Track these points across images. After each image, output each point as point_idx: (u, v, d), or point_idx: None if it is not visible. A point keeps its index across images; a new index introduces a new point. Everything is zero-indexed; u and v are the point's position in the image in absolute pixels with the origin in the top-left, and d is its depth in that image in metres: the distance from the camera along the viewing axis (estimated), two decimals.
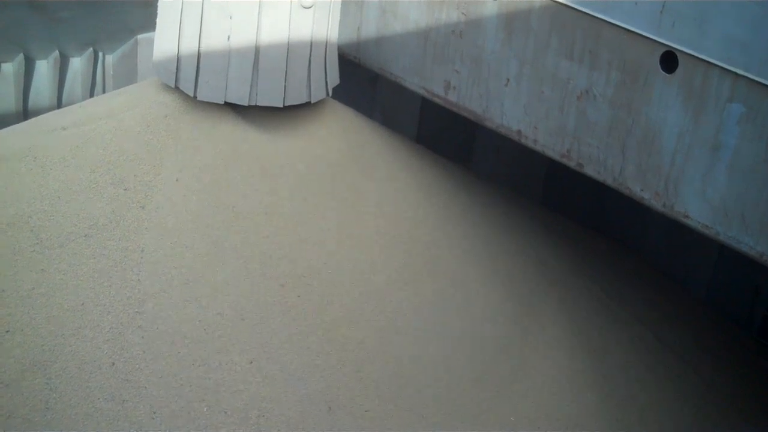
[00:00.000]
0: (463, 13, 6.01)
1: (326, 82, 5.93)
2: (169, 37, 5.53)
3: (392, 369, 4.93)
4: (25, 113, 7.91)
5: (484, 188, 6.93)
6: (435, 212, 6.06)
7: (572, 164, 5.55)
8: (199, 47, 5.44)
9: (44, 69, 8.05)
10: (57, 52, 8.03)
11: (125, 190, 5.02)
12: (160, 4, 5.63)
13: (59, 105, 8.11)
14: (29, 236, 4.67)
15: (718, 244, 5.05)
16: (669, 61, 4.94)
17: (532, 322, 5.69)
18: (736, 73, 4.64)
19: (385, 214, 5.74)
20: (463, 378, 5.09)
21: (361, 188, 5.80)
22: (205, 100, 5.53)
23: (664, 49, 4.94)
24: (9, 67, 7.86)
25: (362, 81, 8.42)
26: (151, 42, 6.07)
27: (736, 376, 6.28)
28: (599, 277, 6.60)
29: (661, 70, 4.98)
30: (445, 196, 6.30)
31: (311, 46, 5.68)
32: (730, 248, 4.90)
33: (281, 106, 5.65)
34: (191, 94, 5.52)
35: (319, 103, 5.96)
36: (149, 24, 5.97)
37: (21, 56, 7.86)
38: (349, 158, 5.92)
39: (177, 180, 5.14)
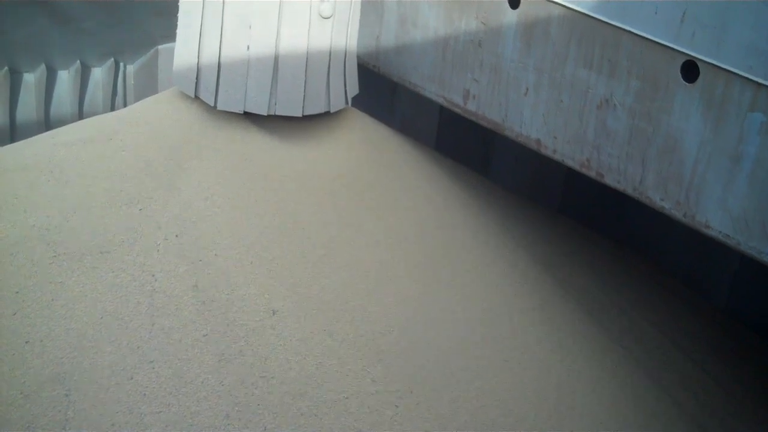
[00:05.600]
0: (482, 22, 6.00)
1: (345, 92, 5.94)
2: (189, 47, 5.56)
3: (408, 363, 4.91)
4: (47, 123, 7.99)
5: (503, 196, 6.92)
6: (453, 218, 6.05)
7: (592, 174, 5.52)
8: (219, 57, 5.47)
9: (66, 79, 8.12)
10: (78, 62, 8.10)
11: (144, 202, 5.04)
12: (180, 14, 5.66)
13: (80, 115, 8.18)
14: (47, 248, 4.69)
15: (738, 253, 5.01)
16: (690, 70, 4.90)
17: (545, 328, 5.67)
18: (758, 83, 4.60)
19: (404, 219, 5.75)
20: (481, 387, 5.08)
21: (382, 195, 5.80)
22: (225, 109, 5.55)
23: (684, 59, 4.90)
24: (31, 77, 7.94)
25: (382, 90, 8.42)
26: (171, 52, 6.10)
27: (756, 384, 6.22)
28: (617, 285, 6.56)
29: (681, 80, 4.94)
30: (463, 203, 6.29)
31: (330, 55, 5.69)
32: (751, 258, 4.86)
33: (300, 115, 5.67)
34: (211, 104, 5.54)
35: (339, 113, 5.97)
36: (170, 34, 6.00)
37: (43, 66, 7.94)
38: (369, 165, 5.93)
39: (196, 190, 5.16)
